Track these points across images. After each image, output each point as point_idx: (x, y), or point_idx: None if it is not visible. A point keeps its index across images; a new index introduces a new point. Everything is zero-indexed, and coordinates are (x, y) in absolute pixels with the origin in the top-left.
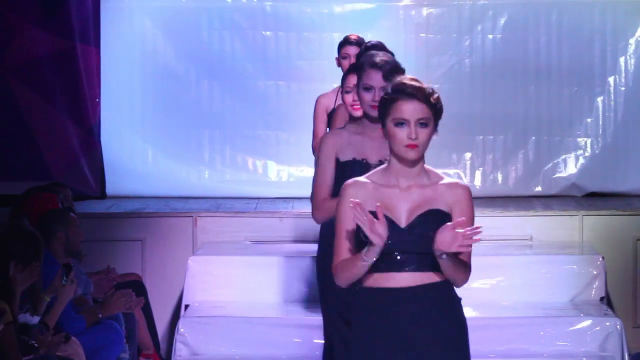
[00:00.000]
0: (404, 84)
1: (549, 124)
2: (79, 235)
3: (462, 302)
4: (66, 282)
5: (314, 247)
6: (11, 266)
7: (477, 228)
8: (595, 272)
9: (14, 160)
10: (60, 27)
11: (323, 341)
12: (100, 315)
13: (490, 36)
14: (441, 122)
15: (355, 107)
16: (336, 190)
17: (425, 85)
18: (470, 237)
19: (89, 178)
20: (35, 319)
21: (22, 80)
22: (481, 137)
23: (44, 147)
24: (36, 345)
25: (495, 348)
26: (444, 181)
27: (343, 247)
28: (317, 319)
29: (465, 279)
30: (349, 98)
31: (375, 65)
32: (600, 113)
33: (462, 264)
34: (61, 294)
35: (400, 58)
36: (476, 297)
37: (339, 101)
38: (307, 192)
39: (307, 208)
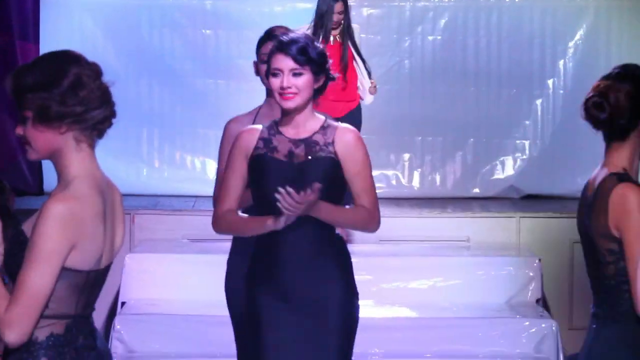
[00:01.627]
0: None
1: (487, 126)
2: None
3: (400, 302)
4: None
5: None
6: None
7: None
8: (531, 274)
9: None
10: None
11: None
12: None
13: (431, 37)
14: (380, 123)
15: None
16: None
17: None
18: None
19: (27, 175)
20: None
21: None
22: (420, 138)
23: None
24: None
25: (432, 348)
26: None
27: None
28: None
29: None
30: (276, 83)
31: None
32: (539, 116)
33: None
34: None
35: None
36: (414, 297)
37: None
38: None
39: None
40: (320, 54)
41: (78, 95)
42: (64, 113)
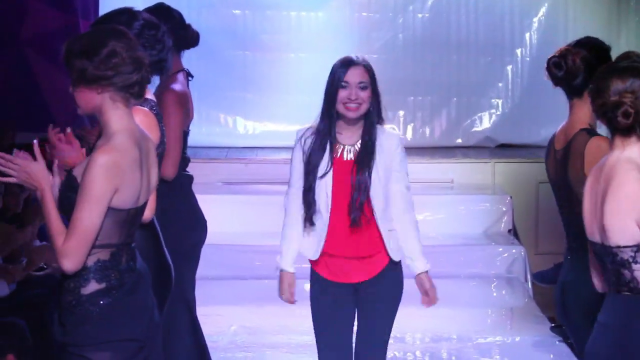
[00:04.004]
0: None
1: (467, 87)
2: None
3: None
4: None
5: (273, 187)
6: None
7: None
8: (504, 209)
9: (28, 114)
10: (65, 5)
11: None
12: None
13: (420, 15)
14: (380, 86)
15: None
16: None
17: None
18: None
19: (88, 126)
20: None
21: (35, 49)
22: (412, 97)
23: (51, 103)
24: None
25: None
26: None
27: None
28: (274, 245)
29: None
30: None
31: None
32: (510, 79)
33: None
34: None
35: (346, 33)
36: None
37: None
38: (269, 142)
39: (268, 155)
40: None
41: (110, 62)
42: (97, 76)
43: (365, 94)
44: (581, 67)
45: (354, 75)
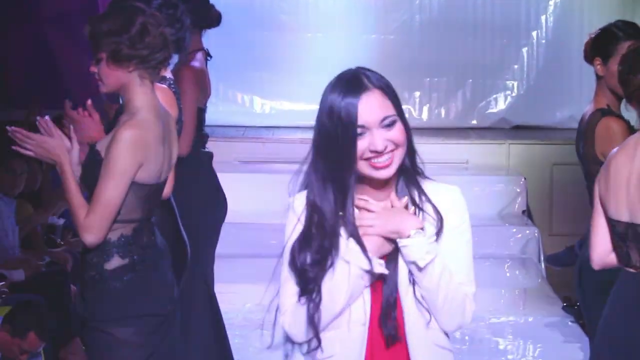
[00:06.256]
0: None
1: (483, 69)
2: None
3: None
4: None
5: (289, 167)
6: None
7: None
8: (518, 190)
9: (46, 91)
10: None
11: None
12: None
13: None
14: (395, 67)
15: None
16: None
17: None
18: None
19: (107, 101)
20: (60, 221)
21: (53, 27)
22: (428, 79)
23: (71, 81)
24: (60, 242)
25: None
26: None
27: None
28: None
29: None
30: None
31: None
32: (525, 61)
33: None
34: None
35: (363, 13)
36: None
37: None
38: (286, 122)
39: (284, 134)
40: None
41: (144, 41)
42: (132, 55)
43: (396, 134)
44: (587, 47)
45: (371, 111)
